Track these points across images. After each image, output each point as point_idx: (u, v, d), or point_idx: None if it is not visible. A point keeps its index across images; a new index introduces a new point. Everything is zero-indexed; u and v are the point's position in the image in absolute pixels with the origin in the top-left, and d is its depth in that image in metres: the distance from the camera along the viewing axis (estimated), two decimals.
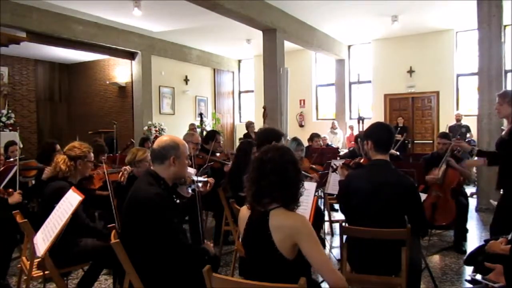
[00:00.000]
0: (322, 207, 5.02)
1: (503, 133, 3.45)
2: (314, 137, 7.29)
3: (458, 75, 11.13)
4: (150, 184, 2.24)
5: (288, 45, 9.57)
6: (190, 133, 5.26)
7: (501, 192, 3.44)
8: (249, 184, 1.89)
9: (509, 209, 3.21)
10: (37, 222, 2.65)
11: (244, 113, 14.81)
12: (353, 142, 8.36)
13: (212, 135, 5.28)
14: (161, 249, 2.19)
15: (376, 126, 2.74)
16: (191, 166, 3.43)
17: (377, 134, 2.64)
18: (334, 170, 3.78)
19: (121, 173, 3.68)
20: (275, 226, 1.78)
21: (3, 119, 9.20)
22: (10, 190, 3.46)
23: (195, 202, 2.85)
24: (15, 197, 3.40)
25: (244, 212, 1.97)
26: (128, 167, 3.69)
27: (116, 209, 3.11)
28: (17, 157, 3.89)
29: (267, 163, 1.85)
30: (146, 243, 2.18)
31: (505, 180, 3.31)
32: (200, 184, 3.23)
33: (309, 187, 2.64)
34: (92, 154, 3.17)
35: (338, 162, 3.65)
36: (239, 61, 14.94)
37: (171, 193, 2.39)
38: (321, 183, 4.28)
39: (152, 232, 2.16)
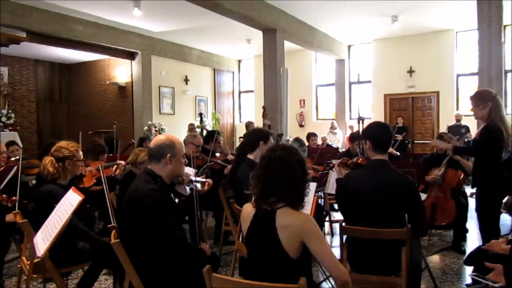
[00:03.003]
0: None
1: (475, 134, 3.56)
2: (310, 136, 7.36)
3: (458, 75, 11.13)
4: (147, 182, 2.25)
5: (288, 45, 9.56)
6: (193, 134, 5.25)
7: (475, 191, 3.58)
8: (255, 182, 1.88)
9: (488, 205, 3.34)
10: (34, 224, 2.64)
11: (244, 113, 14.81)
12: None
13: (212, 135, 5.28)
14: (159, 246, 2.18)
15: (374, 126, 2.71)
16: (190, 166, 3.42)
17: (375, 134, 2.62)
18: (331, 168, 3.80)
19: (115, 166, 3.63)
20: (282, 225, 1.77)
21: (3, 119, 9.21)
22: (4, 195, 3.13)
23: (193, 202, 2.85)
24: (10, 217, 3.05)
25: (248, 209, 1.94)
26: (123, 162, 3.65)
27: (112, 205, 3.07)
28: (17, 157, 3.85)
29: (275, 162, 1.84)
30: (144, 240, 2.18)
31: (479, 179, 3.45)
32: (198, 184, 3.22)
33: (310, 187, 2.65)
34: (81, 153, 3.03)
35: (335, 161, 3.67)
36: (239, 61, 14.93)
37: (169, 191, 2.41)
38: (321, 183, 4.29)
39: (149, 229, 2.16)
